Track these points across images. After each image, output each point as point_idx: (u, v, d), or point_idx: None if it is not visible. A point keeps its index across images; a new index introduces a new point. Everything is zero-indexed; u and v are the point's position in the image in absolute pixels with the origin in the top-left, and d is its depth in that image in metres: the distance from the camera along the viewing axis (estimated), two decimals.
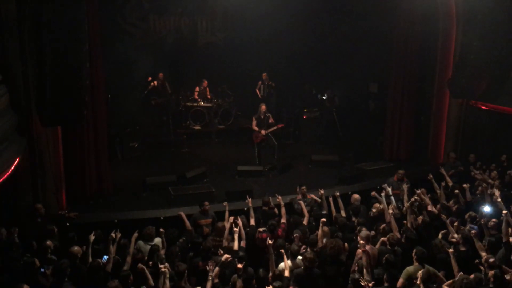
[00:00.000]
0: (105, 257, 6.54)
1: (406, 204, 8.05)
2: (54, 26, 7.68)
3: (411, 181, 9.42)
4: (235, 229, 7.09)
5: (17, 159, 7.67)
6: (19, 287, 5.54)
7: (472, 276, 5.85)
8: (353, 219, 8.03)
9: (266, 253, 6.79)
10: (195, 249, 7.05)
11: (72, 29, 7.87)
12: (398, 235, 7.10)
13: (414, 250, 6.09)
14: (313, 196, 8.92)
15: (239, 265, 6.02)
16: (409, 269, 5.98)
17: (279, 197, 8.45)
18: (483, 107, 11.62)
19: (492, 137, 11.81)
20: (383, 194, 8.38)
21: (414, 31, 11.82)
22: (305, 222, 7.86)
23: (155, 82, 13.39)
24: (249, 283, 5.96)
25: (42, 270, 6.17)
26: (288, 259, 6.54)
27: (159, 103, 13.35)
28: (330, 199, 8.40)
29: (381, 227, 7.22)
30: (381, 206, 8.09)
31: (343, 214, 8.14)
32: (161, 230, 7.27)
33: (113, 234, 6.69)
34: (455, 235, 7.05)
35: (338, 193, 8.51)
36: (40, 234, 7.11)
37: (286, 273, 6.21)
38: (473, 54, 10.79)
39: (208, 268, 6.04)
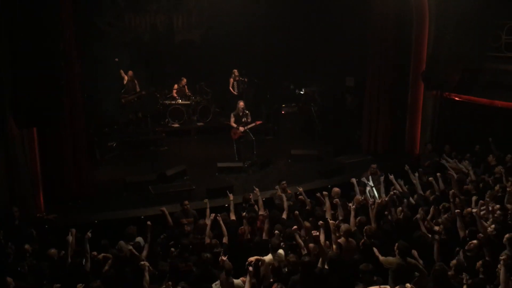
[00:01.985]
0: None
1: (383, 196, 8.20)
2: (28, 26, 7.58)
3: (389, 173, 9.56)
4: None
5: None
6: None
7: (454, 261, 6.00)
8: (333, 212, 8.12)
9: (248, 248, 6.84)
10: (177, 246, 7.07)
11: (46, 29, 7.77)
12: (375, 226, 7.24)
13: (396, 244, 6.14)
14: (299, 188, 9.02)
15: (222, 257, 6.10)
16: (390, 259, 6.08)
17: (256, 189, 8.53)
18: (457, 99, 11.87)
19: (467, 127, 12.07)
20: (368, 188, 8.55)
21: (388, 25, 11.97)
22: (284, 216, 7.92)
23: (125, 78, 13.30)
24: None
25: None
26: (269, 253, 6.60)
27: (128, 100, 13.27)
28: (308, 200, 8.47)
29: (357, 219, 7.31)
30: (361, 198, 8.24)
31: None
32: (148, 223, 7.18)
33: (89, 234, 6.66)
34: (436, 227, 7.21)
35: (301, 189, 8.68)
36: (18, 237, 7.02)
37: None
38: (446, 47, 11.02)
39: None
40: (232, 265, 6.05)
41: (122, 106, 13.32)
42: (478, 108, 11.64)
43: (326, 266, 6.14)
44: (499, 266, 5.70)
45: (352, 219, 7.39)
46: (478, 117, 11.78)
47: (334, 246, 6.53)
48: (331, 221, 6.99)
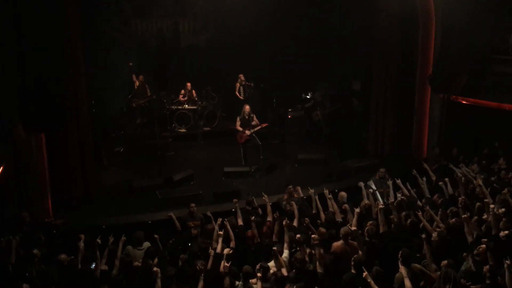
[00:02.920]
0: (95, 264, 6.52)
1: (391, 200, 8.16)
2: (35, 32, 7.63)
3: (395, 176, 9.52)
4: (219, 232, 7.09)
5: (1, 168, 7.60)
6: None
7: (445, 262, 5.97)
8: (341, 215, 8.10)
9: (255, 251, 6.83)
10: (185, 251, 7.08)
11: (53, 35, 7.82)
12: (385, 229, 7.21)
13: (400, 252, 6.09)
14: (299, 189, 8.96)
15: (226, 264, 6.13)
16: (399, 276, 5.97)
17: (265, 195, 8.45)
18: (464, 102, 11.82)
19: (474, 131, 12.01)
20: (370, 190, 8.51)
21: (394, 28, 11.94)
22: (295, 223, 7.89)
23: (137, 82, 13.41)
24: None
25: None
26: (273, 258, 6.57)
27: (139, 104, 13.36)
28: (316, 197, 8.44)
29: (368, 224, 7.26)
30: (367, 202, 8.20)
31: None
32: (156, 236, 7.23)
33: (98, 240, 6.67)
34: (440, 225, 7.17)
35: (312, 190, 8.55)
36: (27, 243, 7.04)
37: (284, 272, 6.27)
38: (453, 50, 10.97)
39: (197, 268, 6.09)
40: (251, 269, 6.04)
41: (133, 110, 13.41)
42: (485, 111, 11.58)
43: (353, 270, 6.07)
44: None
45: (354, 221, 7.33)
46: (486, 120, 11.71)
47: (360, 251, 6.47)
48: (353, 228, 6.97)
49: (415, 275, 5.94)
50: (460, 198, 7.87)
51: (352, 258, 6.13)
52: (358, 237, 6.65)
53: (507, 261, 5.59)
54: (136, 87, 13.45)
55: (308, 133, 14.27)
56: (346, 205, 8.00)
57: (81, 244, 6.64)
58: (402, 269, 5.84)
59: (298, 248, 6.83)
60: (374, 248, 6.63)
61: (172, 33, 14.92)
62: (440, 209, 7.79)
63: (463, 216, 7.00)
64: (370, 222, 7.31)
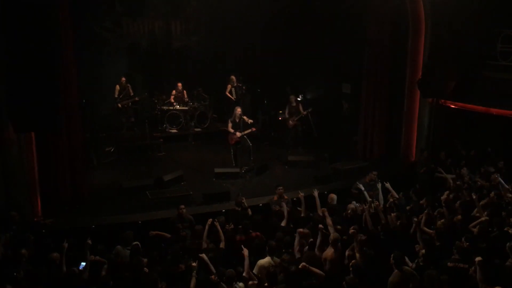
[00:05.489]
0: (83, 264, 6.51)
1: (376, 204, 8.20)
2: (25, 31, 7.60)
3: (384, 179, 9.60)
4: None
5: None
6: None
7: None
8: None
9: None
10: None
11: (44, 34, 7.80)
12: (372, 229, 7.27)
13: (392, 255, 6.15)
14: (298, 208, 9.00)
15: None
16: (393, 280, 6.05)
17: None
18: (452, 106, 11.96)
19: (462, 134, 12.15)
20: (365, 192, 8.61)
21: (384, 33, 12.07)
22: (283, 223, 7.93)
23: (117, 86, 13.38)
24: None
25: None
26: (267, 256, 6.61)
27: (123, 105, 13.36)
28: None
29: (350, 231, 7.06)
30: (357, 206, 8.24)
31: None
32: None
33: (89, 241, 6.66)
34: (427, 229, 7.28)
35: (302, 194, 8.56)
36: (15, 242, 7.01)
37: None
38: (442, 55, 11.10)
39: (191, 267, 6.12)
40: (234, 273, 6.06)
41: (118, 111, 13.40)
42: (473, 116, 11.73)
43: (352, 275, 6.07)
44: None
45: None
46: (474, 125, 11.86)
47: (357, 255, 6.49)
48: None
49: (406, 277, 6.02)
50: (442, 198, 7.99)
51: (350, 264, 6.17)
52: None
53: (478, 258, 5.72)
54: (120, 89, 13.40)
55: (299, 135, 14.30)
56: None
57: (65, 245, 6.61)
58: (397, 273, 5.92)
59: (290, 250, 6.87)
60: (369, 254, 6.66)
61: (163, 34, 14.93)
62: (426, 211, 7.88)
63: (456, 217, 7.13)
64: (353, 226, 7.32)
